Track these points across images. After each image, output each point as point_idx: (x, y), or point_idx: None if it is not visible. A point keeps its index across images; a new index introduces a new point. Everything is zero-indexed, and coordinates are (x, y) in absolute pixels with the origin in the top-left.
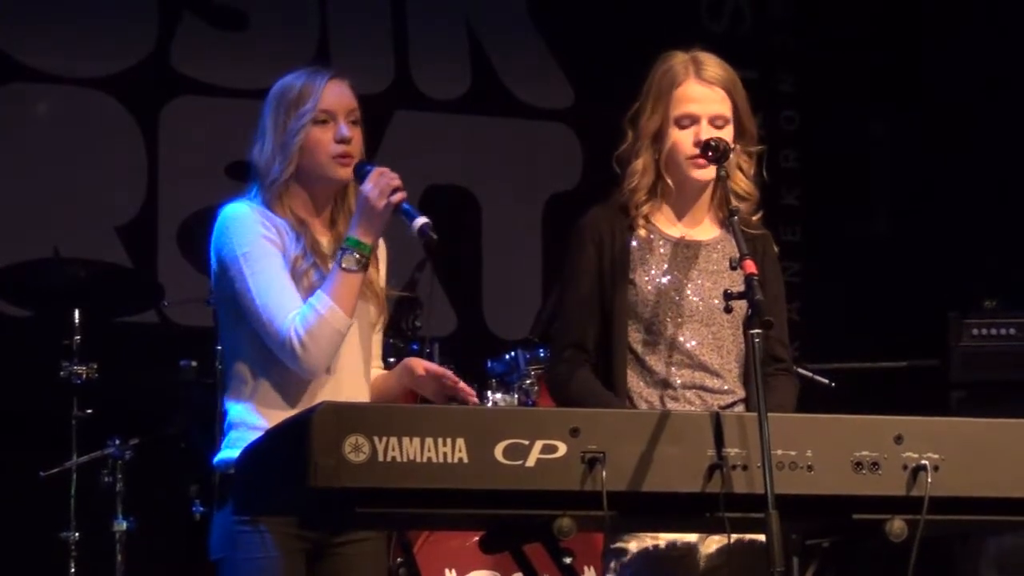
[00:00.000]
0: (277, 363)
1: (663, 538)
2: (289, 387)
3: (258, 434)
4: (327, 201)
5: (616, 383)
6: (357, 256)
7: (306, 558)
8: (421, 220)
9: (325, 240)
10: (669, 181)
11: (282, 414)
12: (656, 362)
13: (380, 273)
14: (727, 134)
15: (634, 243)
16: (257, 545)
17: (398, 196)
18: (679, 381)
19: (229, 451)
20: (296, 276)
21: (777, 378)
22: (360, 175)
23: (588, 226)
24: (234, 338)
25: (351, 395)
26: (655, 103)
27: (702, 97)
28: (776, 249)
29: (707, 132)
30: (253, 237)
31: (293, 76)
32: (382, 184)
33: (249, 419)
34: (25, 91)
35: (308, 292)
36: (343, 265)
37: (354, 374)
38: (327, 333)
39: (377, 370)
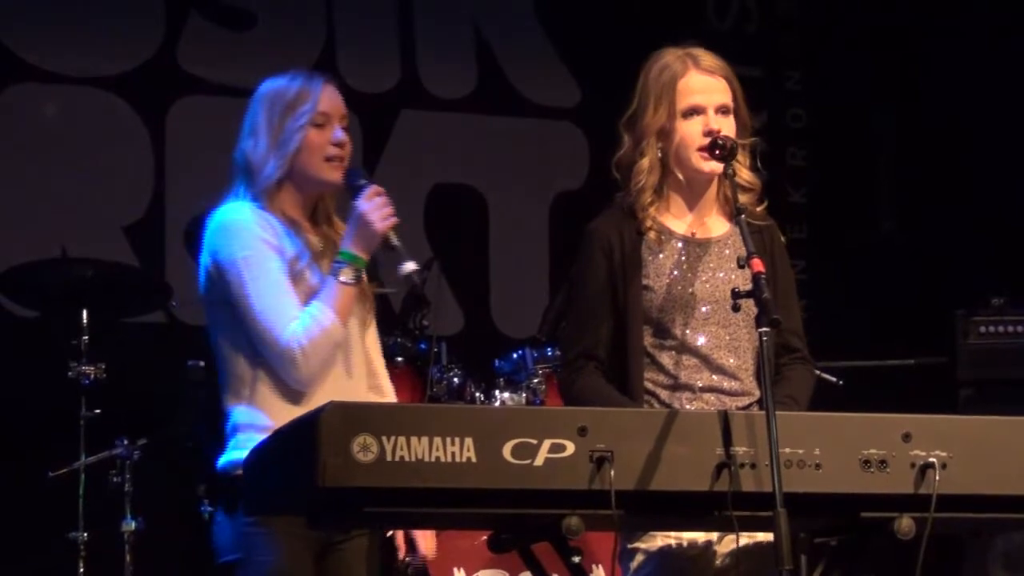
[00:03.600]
0: None
1: (679, 537)
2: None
3: (266, 434)
4: (313, 202)
5: (633, 387)
6: (354, 270)
7: (313, 558)
8: (410, 266)
9: (315, 239)
10: (679, 175)
11: (287, 412)
12: (672, 364)
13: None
14: (731, 123)
15: (644, 246)
16: (269, 546)
17: (392, 221)
18: (699, 384)
19: (237, 453)
20: (294, 277)
21: (793, 368)
22: (354, 187)
23: (596, 234)
24: (231, 339)
25: (355, 395)
26: (657, 100)
27: (706, 87)
28: (783, 239)
29: (714, 121)
30: (253, 240)
31: (286, 78)
32: (384, 209)
33: (255, 420)
34: (32, 91)
35: (305, 293)
36: (342, 279)
37: (359, 376)
38: (328, 344)
39: (381, 368)
